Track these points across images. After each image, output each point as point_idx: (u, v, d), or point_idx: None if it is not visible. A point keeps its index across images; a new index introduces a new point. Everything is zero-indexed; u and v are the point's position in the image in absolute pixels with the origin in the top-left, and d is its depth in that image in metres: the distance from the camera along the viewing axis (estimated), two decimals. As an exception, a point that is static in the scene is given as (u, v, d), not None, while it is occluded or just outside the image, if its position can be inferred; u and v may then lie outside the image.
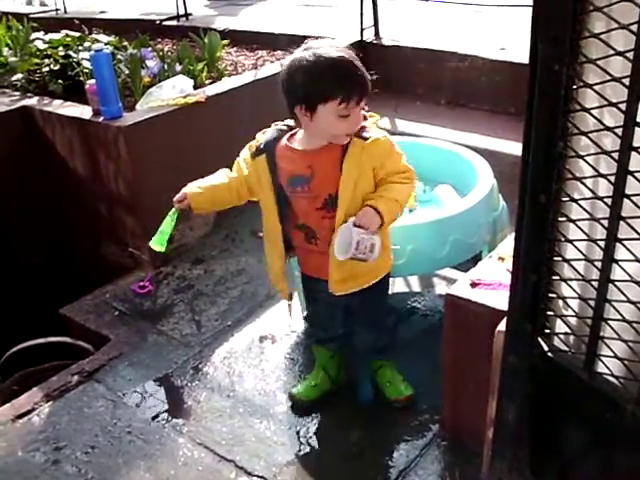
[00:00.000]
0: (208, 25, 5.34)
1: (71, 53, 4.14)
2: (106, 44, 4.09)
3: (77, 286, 3.57)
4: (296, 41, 4.87)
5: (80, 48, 4.17)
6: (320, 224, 2.16)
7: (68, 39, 4.27)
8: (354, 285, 2.25)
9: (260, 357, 2.88)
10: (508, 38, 4.34)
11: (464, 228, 2.57)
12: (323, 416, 2.55)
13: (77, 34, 4.38)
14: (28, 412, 2.63)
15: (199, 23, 5.50)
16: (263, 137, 2.19)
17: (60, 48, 4.19)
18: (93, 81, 3.40)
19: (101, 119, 3.41)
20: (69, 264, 4.10)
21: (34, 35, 4.50)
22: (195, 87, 3.87)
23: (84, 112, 3.55)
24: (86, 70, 3.91)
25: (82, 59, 4.02)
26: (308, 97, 1.95)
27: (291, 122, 2.16)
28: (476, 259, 2.51)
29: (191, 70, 4.10)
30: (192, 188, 2.28)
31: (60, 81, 4.04)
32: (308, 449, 2.41)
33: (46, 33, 4.50)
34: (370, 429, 2.49)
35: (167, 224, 2.29)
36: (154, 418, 2.59)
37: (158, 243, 2.28)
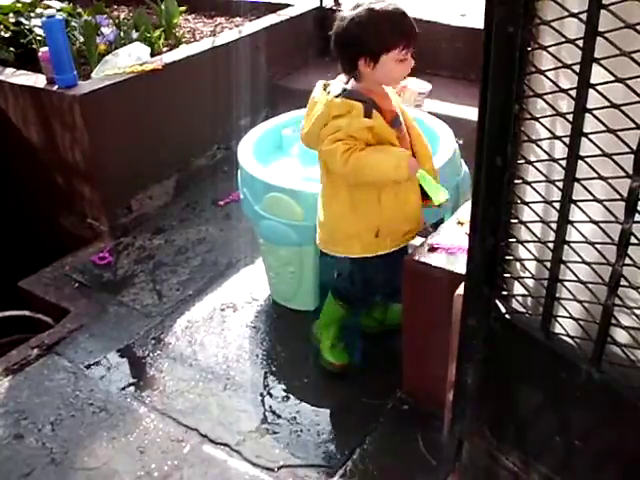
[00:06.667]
0: (165, -9, 5.22)
1: (22, 20, 4.01)
2: (59, 10, 3.97)
3: (36, 258, 3.51)
4: (254, 8, 4.80)
5: (32, 15, 4.04)
6: None
7: (19, 5, 4.12)
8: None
9: (222, 326, 2.88)
10: (469, 4, 4.32)
11: (425, 194, 2.57)
12: (285, 383, 2.56)
13: (28, 0, 4.26)
14: (-13, 386, 2.60)
15: (155, -11, 5.37)
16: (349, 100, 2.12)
17: (11, 15, 4.05)
18: (46, 49, 3.32)
19: (55, 87, 3.33)
20: (27, 236, 4.03)
21: (-19, 1, 4.35)
22: (152, 55, 3.80)
23: (38, 81, 3.46)
24: (39, 37, 3.81)
25: (34, 26, 3.90)
26: (372, 49, 2.07)
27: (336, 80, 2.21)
28: (438, 225, 2.52)
29: (148, 37, 4.02)
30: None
31: (12, 49, 3.92)
32: (271, 416, 2.43)
33: (-5, -1, 4.36)
34: (332, 394, 2.52)
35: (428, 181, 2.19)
36: (117, 389, 2.58)
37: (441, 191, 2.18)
